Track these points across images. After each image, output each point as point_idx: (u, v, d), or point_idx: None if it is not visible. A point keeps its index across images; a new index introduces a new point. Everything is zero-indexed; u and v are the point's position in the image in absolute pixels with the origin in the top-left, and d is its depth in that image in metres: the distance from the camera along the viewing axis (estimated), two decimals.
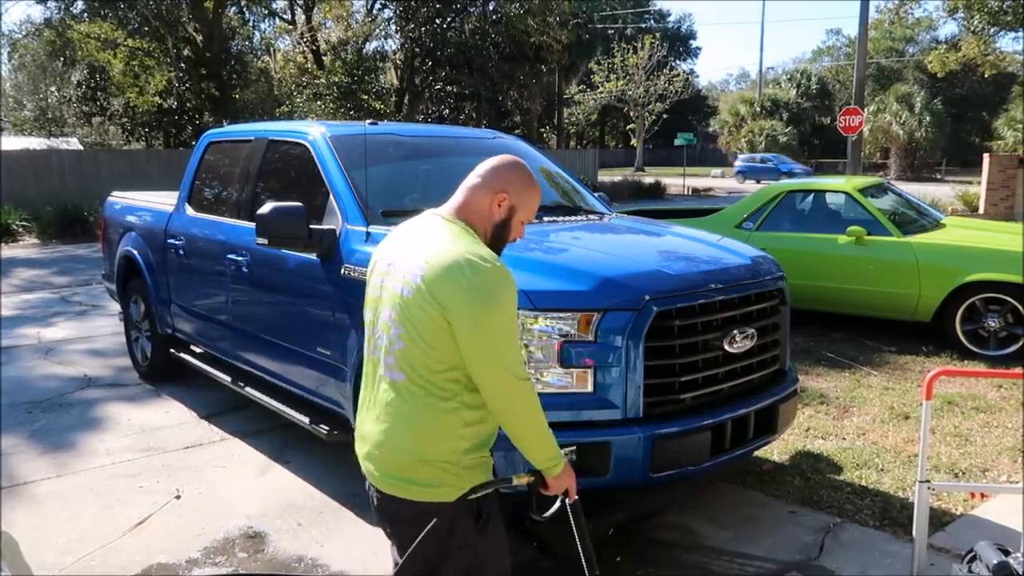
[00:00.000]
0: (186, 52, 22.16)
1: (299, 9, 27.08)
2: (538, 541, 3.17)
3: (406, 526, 1.83)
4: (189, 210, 5.03)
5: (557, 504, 1.94)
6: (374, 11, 26.26)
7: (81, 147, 24.61)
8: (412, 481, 1.78)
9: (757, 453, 3.94)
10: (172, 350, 5.27)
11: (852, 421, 4.75)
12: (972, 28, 18.59)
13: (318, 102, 22.77)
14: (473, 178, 1.89)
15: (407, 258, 1.80)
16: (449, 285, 1.69)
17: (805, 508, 3.59)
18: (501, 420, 1.79)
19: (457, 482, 1.78)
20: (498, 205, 1.85)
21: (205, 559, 3.19)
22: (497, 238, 1.87)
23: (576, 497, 1.94)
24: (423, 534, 1.77)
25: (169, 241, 5.06)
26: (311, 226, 3.55)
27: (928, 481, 2.75)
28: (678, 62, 53.54)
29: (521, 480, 1.89)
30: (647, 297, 2.91)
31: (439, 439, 1.76)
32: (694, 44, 61.36)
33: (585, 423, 2.87)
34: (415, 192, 4.08)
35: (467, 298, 1.67)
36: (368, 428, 1.87)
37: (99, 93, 25.42)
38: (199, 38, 21.46)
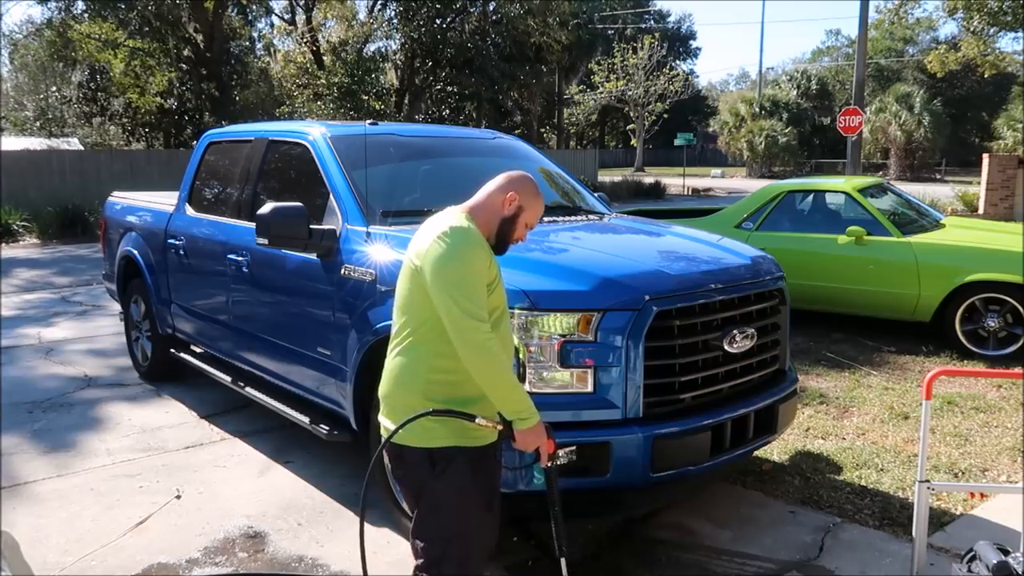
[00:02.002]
0: (186, 52, 22.18)
1: (299, 9, 27.08)
2: (538, 541, 3.17)
3: (391, 464, 2.32)
4: (189, 210, 5.03)
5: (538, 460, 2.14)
6: (375, 11, 26.25)
7: (82, 147, 24.61)
8: (388, 425, 2.16)
9: (757, 453, 3.95)
10: (172, 350, 5.27)
11: (852, 421, 4.75)
12: (972, 28, 18.59)
13: (318, 102, 22.75)
14: (491, 183, 2.23)
15: (416, 240, 2.17)
16: (425, 247, 2.06)
17: (805, 508, 3.60)
18: (468, 367, 2.01)
19: (420, 431, 2.08)
20: (509, 203, 2.15)
21: (205, 559, 3.19)
22: (502, 232, 2.16)
23: (549, 464, 2.15)
24: (395, 473, 2.23)
25: (169, 241, 5.07)
26: (311, 226, 3.55)
27: (928, 481, 2.75)
28: (678, 62, 53.56)
29: (485, 423, 2.07)
30: (647, 297, 2.91)
31: (406, 388, 2.12)
32: (694, 44, 61.41)
33: (585, 423, 2.87)
34: (415, 192, 4.09)
35: (433, 253, 2.03)
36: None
37: (100, 93, 25.44)
38: (199, 38, 21.47)
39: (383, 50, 27.06)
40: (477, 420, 2.06)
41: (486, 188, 2.21)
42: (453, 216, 2.12)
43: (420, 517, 2.16)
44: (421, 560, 2.15)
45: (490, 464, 2.19)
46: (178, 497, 3.76)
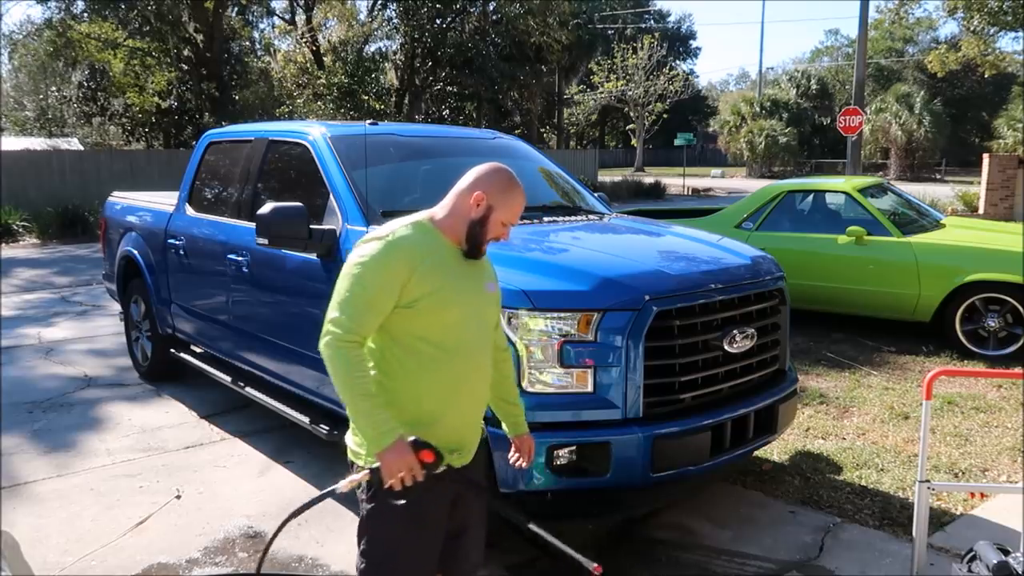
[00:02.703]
0: (186, 52, 22.17)
1: (299, 9, 27.08)
2: (538, 541, 3.17)
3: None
4: (189, 210, 5.03)
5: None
6: (375, 11, 26.25)
7: (81, 147, 24.61)
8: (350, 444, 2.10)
9: (757, 453, 3.95)
10: (172, 350, 5.27)
11: (852, 421, 4.75)
12: (972, 28, 18.59)
13: (318, 102, 22.76)
14: (460, 181, 2.07)
15: None
16: None
17: (805, 508, 3.60)
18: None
19: (351, 452, 2.06)
20: (476, 204, 1.98)
21: (205, 559, 3.19)
22: (472, 235, 1.99)
23: (420, 477, 1.86)
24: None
25: (169, 241, 5.07)
26: (311, 226, 3.55)
27: (928, 481, 2.75)
28: (678, 62, 53.55)
29: (350, 483, 1.93)
30: (647, 297, 2.91)
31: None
32: (694, 44, 61.39)
33: (585, 423, 2.87)
34: (415, 192, 4.09)
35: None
36: None
37: (99, 93, 25.42)
38: (199, 38, 21.46)
39: (383, 50, 27.09)
40: (339, 487, 1.93)
41: (455, 188, 2.05)
42: (399, 222, 1.98)
43: (359, 546, 2.04)
44: None
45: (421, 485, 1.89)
46: (178, 497, 3.76)
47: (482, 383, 2.08)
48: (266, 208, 3.50)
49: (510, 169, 2.06)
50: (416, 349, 1.94)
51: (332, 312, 1.88)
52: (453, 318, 1.94)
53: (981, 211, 14.27)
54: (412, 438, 1.85)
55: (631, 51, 37.97)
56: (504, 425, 2.28)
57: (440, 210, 2.03)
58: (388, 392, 1.93)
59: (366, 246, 1.91)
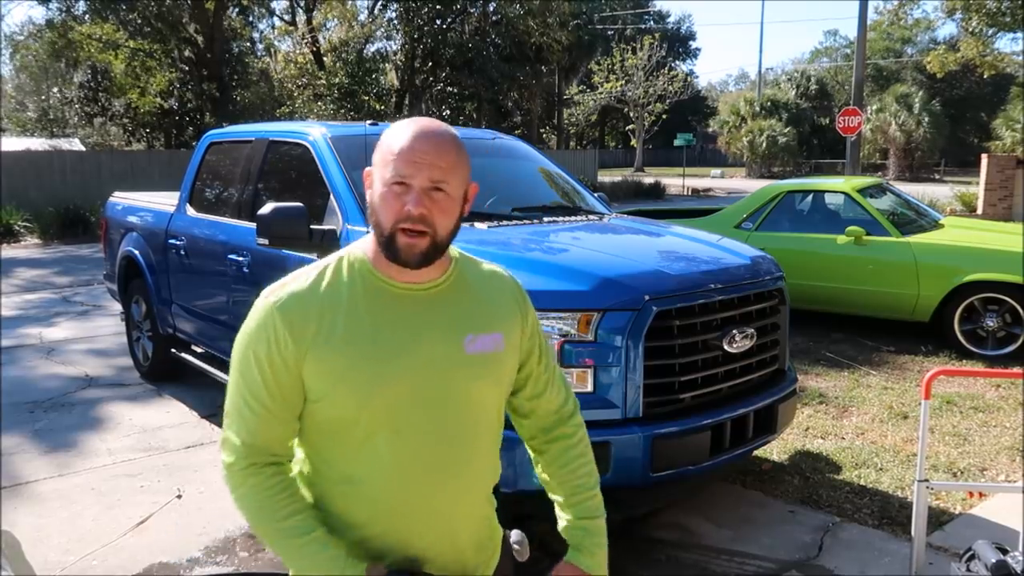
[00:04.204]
0: (187, 53, 22.19)
1: (300, 10, 27.10)
2: (538, 541, 3.18)
3: None
4: (190, 210, 5.04)
5: None
6: (375, 12, 26.27)
7: (83, 147, 24.63)
8: None
9: (756, 453, 3.95)
10: (173, 350, 5.28)
11: (851, 421, 4.76)
12: (970, 29, 18.61)
13: (319, 103, 22.78)
14: None
15: None
16: None
17: (804, 507, 3.60)
18: None
19: None
20: (368, 190, 1.32)
21: (206, 558, 3.20)
22: (377, 225, 1.28)
23: None
24: None
25: (170, 241, 5.08)
26: (312, 226, 3.56)
27: (927, 480, 2.76)
28: (678, 63, 53.56)
29: None
30: (647, 297, 2.92)
31: None
32: (694, 45, 61.40)
33: (585, 423, 2.88)
34: None
35: None
36: None
37: (101, 94, 25.44)
38: (200, 39, 21.48)
39: (383, 50, 27.10)
40: None
41: None
42: (316, 265, 1.35)
43: None
44: None
45: None
46: (179, 497, 3.77)
47: (464, 488, 1.36)
48: (267, 208, 3.51)
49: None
50: (345, 464, 1.30)
51: (230, 415, 1.33)
52: (386, 401, 1.27)
53: (980, 211, 14.28)
54: (385, 569, 1.29)
55: (631, 51, 37.97)
56: (568, 540, 1.56)
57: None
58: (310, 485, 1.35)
59: (249, 315, 1.32)
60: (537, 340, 1.48)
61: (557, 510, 1.56)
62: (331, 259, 1.34)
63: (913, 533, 2.80)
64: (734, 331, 3.13)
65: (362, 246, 1.35)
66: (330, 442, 1.31)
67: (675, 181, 31.41)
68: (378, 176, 1.28)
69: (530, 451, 1.59)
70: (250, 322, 1.31)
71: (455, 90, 29.39)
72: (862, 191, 6.93)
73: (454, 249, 1.38)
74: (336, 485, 1.32)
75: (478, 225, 3.60)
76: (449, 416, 1.32)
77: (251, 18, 26.83)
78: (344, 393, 1.27)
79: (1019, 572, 2.39)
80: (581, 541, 1.54)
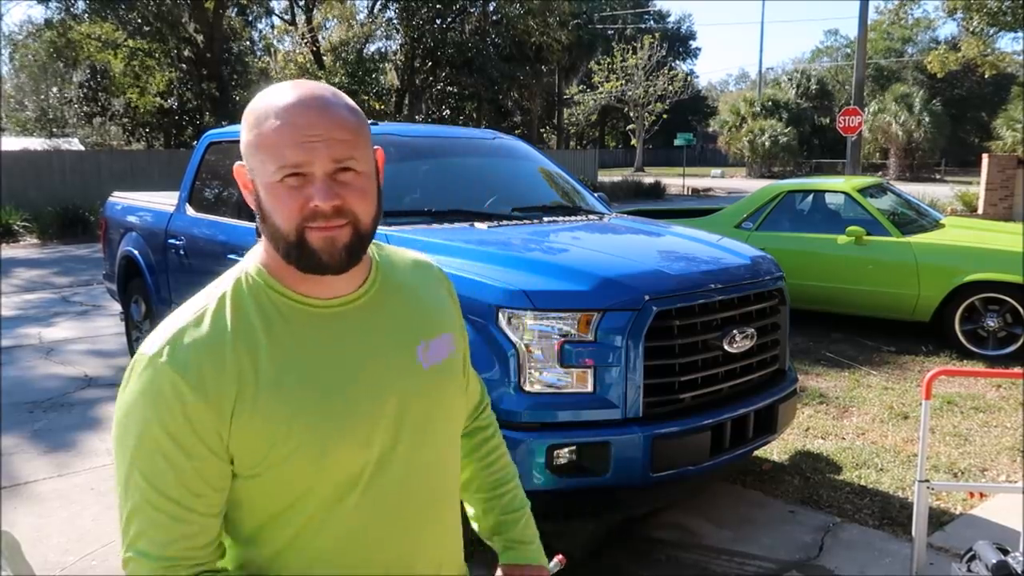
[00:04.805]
0: (187, 52, 22.19)
1: (299, 10, 27.10)
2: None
3: None
4: (190, 210, 5.04)
5: None
6: (375, 11, 26.28)
7: (82, 147, 24.63)
8: None
9: (757, 453, 3.95)
10: None
11: (851, 421, 4.76)
12: (971, 29, 18.60)
13: None
14: None
15: None
16: None
17: (804, 507, 3.60)
18: None
19: None
20: (247, 191, 1.02)
21: None
22: (275, 233, 0.98)
23: None
24: None
25: (170, 241, 5.07)
26: None
27: (927, 480, 2.76)
28: (678, 62, 53.57)
29: None
30: (647, 297, 2.92)
31: None
32: (694, 44, 61.43)
33: (585, 423, 2.88)
34: (415, 192, 4.09)
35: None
36: None
37: (100, 93, 25.45)
38: (200, 39, 21.48)
39: (383, 50, 27.10)
40: None
41: None
42: (197, 302, 1.05)
43: None
44: None
45: None
46: None
47: (445, 524, 1.15)
48: None
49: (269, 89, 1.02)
50: (298, 551, 1.02)
51: (123, 537, 0.97)
52: (347, 454, 1.00)
53: (980, 211, 14.28)
54: None
55: (631, 51, 37.98)
56: (494, 543, 1.31)
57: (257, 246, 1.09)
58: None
59: (129, 383, 0.98)
60: (464, 332, 1.24)
61: (474, 513, 1.32)
62: (221, 286, 1.04)
63: (914, 533, 2.79)
64: (734, 331, 3.12)
65: (256, 262, 1.05)
66: (273, 529, 1.01)
67: (675, 181, 31.41)
68: (259, 172, 0.96)
69: None
70: (134, 394, 0.95)
71: (455, 90, 29.41)
72: (862, 191, 6.92)
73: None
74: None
75: (478, 225, 3.59)
76: (427, 449, 1.07)
77: (250, 18, 26.84)
78: (291, 459, 0.96)
79: (1020, 572, 2.38)
80: (515, 535, 1.29)
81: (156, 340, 0.99)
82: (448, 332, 1.14)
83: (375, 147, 1.03)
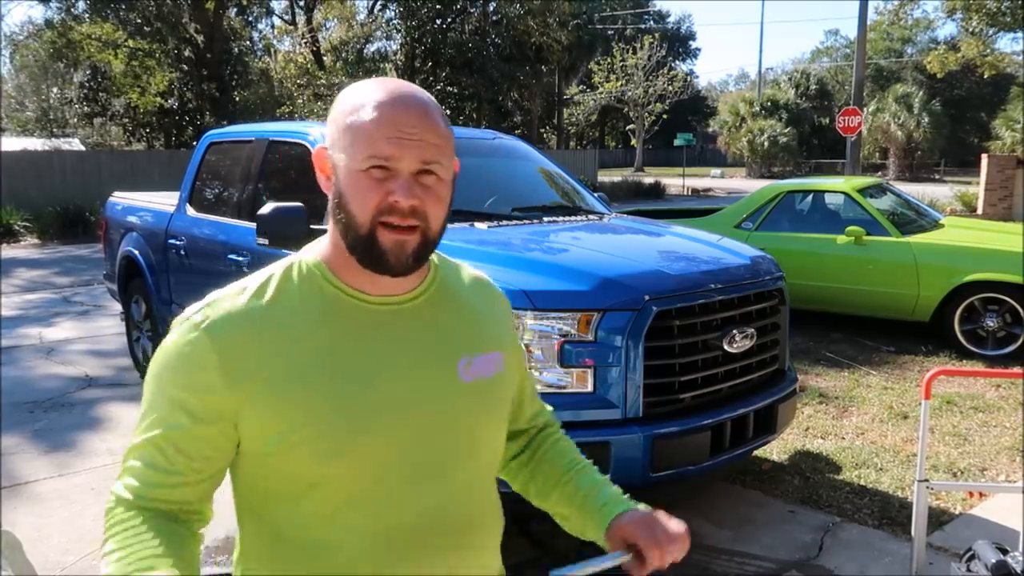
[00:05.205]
0: (187, 53, 22.20)
1: (299, 10, 27.12)
2: (539, 541, 3.18)
3: None
4: (190, 210, 5.04)
5: None
6: (375, 11, 26.29)
7: (83, 147, 24.63)
8: None
9: (756, 453, 3.95)
10: None
11: (851, 421, 4.76)
12: (971, 29, 18.61)
13: (319, 103, 22.78)
14: None
15: None
16: None
17: (804, 507, 3.60)
18: None
19: None
20: (323, 174, 1.03)
21: (206, 558, 3.20)
22: (349, 222, 0.98)
23: None
24: None
25: (170, 241, 5.08)
26: (312, 226, 3.56)
27: (927, 480, 2.76)
28: (677, 62, 53.59)
29: None
30: (647, 297, 2.92)
31: None
32: (693, 45, 61.42)
33: (585, 423, 2.88)
34: None
35: None
36: None
37: (100, 94, 25.46)
38: (200, 39, 21.49)
39: (383, 50, 27.12)
40: None
41: None
42: (257, 276, 1.05)
43: None
44: None
45: None
46: None
47: (472, 555, 1.09)
48: (267, 208, 3.51)
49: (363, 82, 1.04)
50: (306, 536, 1.01)
51: (124, 455, 1.05)
52: (364, 456, 0.99)
53: (980, 211, 14.29)
54: None
55: (631, 51, 38.00)
56: (585, 526, 1.20)
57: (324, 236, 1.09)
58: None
59: (168, 338, 1.03)
60: (520, 355, 1.23)
61: (560, 509, 1.22)
62: (277, 267, 1.04)
63: (913, 533, 2.80)
64: (734, 331, 3.13)
65: (318, 251, 1.05)
66: (280, 509, 1.02)
67: (675, 181, 31.41)
68: (345, 157, 0.97)
69: (508, 477, 1.29)
70: (167, 348, 1.00)
71: (455, 90, 29.39)
72: (862, 191, 6.93)
73: None
74: (294, 562, 1.01)
75: (478, 225, 3.60)
76: (451, 468, 1.03)
77: (251, 18, 26.84)
78: (303, 448, 0.96)
79: (1019, 572, 2.39)
80: (610, 494, 1.20)
81: (200, 305, 1.02)
82: (499, 351, 1.12)
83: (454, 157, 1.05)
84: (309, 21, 26.23)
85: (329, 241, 1.04)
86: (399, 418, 1.00)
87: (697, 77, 61.52)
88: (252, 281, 1.03)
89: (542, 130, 41.25)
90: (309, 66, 24.78)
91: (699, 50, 71.89)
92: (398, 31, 25.45)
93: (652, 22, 53.50)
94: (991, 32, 18.82)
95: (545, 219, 3.95)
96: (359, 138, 0.96)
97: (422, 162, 0.96)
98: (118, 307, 6.52)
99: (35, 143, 24.07)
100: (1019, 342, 5.94)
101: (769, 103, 42.87)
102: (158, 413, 0.99)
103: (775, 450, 4.22)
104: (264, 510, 1.05)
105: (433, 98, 1.04)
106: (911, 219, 7.04)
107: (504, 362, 1.12)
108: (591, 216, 4.23)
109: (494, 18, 26.19)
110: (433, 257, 1.12)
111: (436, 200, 0.99)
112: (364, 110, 0.96)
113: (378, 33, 26.31)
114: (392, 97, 0.97)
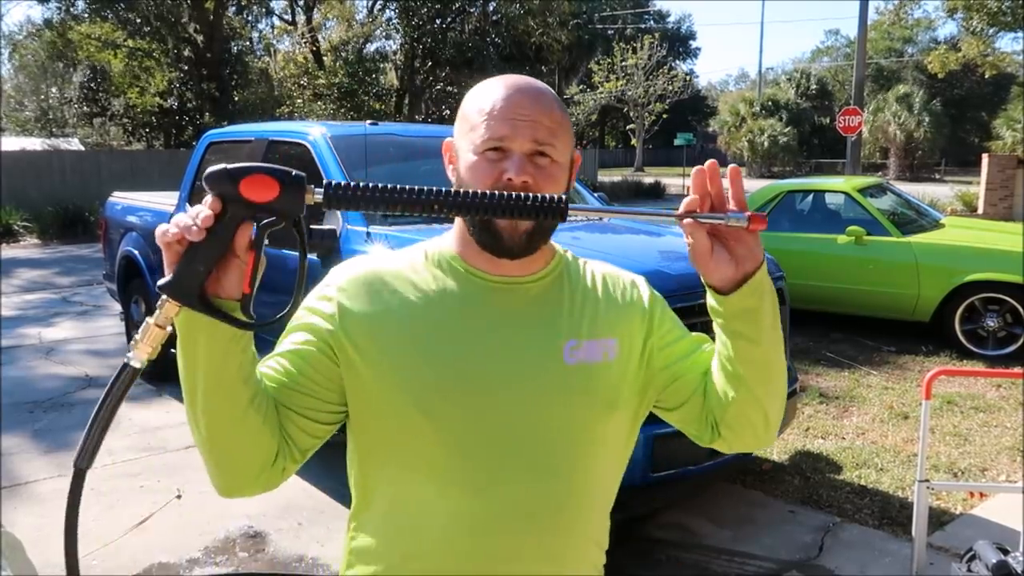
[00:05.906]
0: (187, 52, 22.19)
1: (299, 9, 27.11)
2: None
3: None
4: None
5: None
6: (374, 11, 26.29)
7: (82, 147, 24.62)
8: None
9: (757, 453, 3.95)
10: (173, 350, 5.27)
11: (852, 421, 4.76)
12: (971, 29, 18.61)
13: (318, 102, 22.79)
14: None
15: None
16: None
17: (805, 507, 3.60)
18: None
19: None
20: (450, 164, 1.09)
21: (206, 558, 3.20)
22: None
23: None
24: None
25: None
26: (312, 226, 3.56)
27: (927, 480, 2.76)
28: (678, 62, 53.59)
29: None
30: None
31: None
32: (694, 44, 61.43)
33: None
34: None
35: None
36: None
37: (100, 93, 25.44)
38: (200, 39, 21.48)
39: (383, 50, 27.11)
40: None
41: None
42: (410, 249, 1.14)
43: None
44: None
45: None
46: (179, 497, 3.77)
47: (561, 552, 1.11)
48: None
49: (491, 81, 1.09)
50: (406, 495, 1.05)
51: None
52: (454, 421, 1.00)
53: (980, 211, 14.29)
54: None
55: (631, 51, 38.00)
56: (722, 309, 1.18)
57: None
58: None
59: (335, 266, 1.14)
60: (678, 333, 1.18)
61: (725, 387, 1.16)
62: (415, 247, 1.12)
63: (914, 533, 2.79)
64: None
65: (448, 241, 1.10)
66: (380, 480, 1.08)
67: (675, 181, 31.40)
68: (465, 144, 1.02)
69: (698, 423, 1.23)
70: (328, 275, 1.11)
71: (455, 90, 29.39)
72: (862, 191, 6.92)
73: (557, 245, 1.12)
74: (392, 535, 1.06)
75: None
76: (543, 451, 1.01)
77: (250, 18, 26.83)
78: (392, 399, 1.01)
79: (1020, 572, 2.38)
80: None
81: (362, 256, 1.13)
82: (614, 337, 1.08)
83: (575, 151, 1.07)
84: (309, 21, 26.21)
85: (455, 231, 1.09)
86: (488, 386, 1.01)
87: (697, 77, 61.51)
88: (392, 252, 1.12)
89: None
90: (309, 66, 24.75)
91: (699, 50, 72.01)
92: (398, 31, 25.41)
93: (652, 22, 53.50)
94: (992, 32, 18.82)
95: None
96: (476, 124, 1.01)
97: (535, 142, 0.99)
98: (118, 307, 6.52)
99: (34, 143, 24.07)
100: (1020, 342, 5.94)
101: (769, 103, 42.87)
102: (290, 334, 1.09)
103: (775, 450, 4.22)
104: (367, 480, 1.11)
105: (551, 88, 1.08)
106: (911, 219, 7.04)
107: (617, 349, 1.08)
108: (591, 216, 4.23)
109: (494, 18, 26.18)
110: (560, 249, 1.13)
111: (549, 180, 1.00)
112: (482, 99, 1.02)
113: (378, 33, 26.28)
114: (508, 84, 1.03)
